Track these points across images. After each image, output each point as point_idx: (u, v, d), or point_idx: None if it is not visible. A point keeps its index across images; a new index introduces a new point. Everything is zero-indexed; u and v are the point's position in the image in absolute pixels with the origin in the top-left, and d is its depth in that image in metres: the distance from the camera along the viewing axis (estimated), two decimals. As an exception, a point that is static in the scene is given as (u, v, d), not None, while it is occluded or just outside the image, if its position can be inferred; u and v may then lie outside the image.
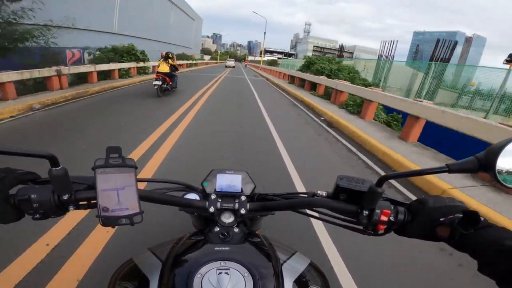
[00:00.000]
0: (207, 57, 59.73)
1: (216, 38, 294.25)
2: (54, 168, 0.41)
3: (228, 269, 0.45)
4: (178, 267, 0.48)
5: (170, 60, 7.29)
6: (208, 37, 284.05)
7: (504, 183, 0.39)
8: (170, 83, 7.41)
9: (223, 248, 0.51)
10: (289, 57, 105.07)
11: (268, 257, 0.53)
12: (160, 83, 6.88)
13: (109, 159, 0.43)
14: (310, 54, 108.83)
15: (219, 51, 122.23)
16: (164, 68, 7.13)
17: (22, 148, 0.38)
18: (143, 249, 0.59)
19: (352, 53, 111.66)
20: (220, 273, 0.44)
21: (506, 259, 0.34)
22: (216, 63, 53.40)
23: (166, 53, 7.36)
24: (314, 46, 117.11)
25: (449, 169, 0.39)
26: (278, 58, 61.26)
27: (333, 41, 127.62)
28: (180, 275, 0.46)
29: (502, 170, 0.38)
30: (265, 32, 36.68)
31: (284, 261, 0.55)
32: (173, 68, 7.45)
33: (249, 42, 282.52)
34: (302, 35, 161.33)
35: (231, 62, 39.52)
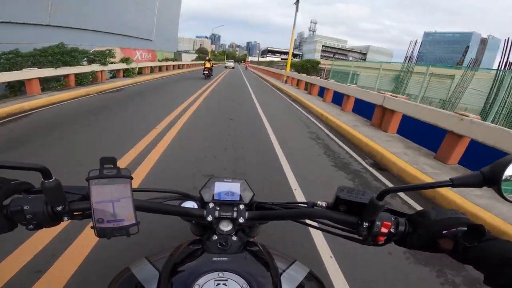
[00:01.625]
0: (189, 57, 34.59)
1: (214, 38, 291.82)
2: (46, 181, 0.41)
3: (227, 280, 0.44)
4: (175, 277, 0.47)
5: (211, 62, 15.99)
6: (206, 37, 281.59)
7: (508, 199, 0.38)
8: (211, 72, 15.81)
9: (221, 258, 0.50)
10: (294, 57, 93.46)
11: (266, 266, 0.52)
12: (207, 72, 15.38)
13: (103, 170, 0.42)
14: (318, 54, 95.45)
15: (216, 51, 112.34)
16: (208, 65, 15.56)
17: (14, 161, 0.38)
18: (140, 258, 0.57)
19: (365, 54, 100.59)
20: (218, 284, 0.44)
21: None
22: (200, 66, 28.90)
23: (208, 58, 16.81)
24: (322, 45, 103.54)
25: (453, 184, 0.38)
26: (282, 59, 54.08)
27: (342, 40, 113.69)
28: (177, 286, 0.45)
29: (507, 186, 0.37)
30: (297, 2, 19.34)
31: (283, 271, 0.53)
32: (211, 65, 15.96)
33: (248, 43, 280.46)
34: (307, 34, 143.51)
35: (230, 63, 40.82)
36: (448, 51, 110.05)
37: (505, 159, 0.36)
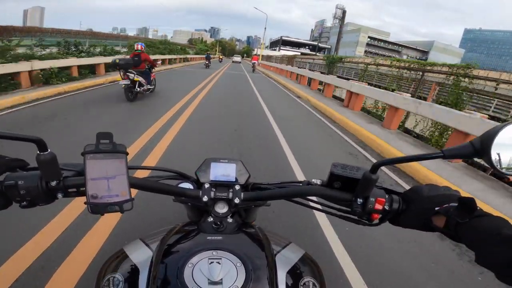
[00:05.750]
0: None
1: (214, 32, 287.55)
2: (42, 153, 0.40)
3: (220, 258, 0.44)
4: (169, 258, 0.47)
5: (222, 56, 39.69)
6: (205, 31, 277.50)
7: (498, 169, 0.38)
8: (222, 60, 34.46)
9: (216, 237, 0.50)
10: (319, 51, 67.22)
11: (261, 247, 0.51)
12: (221, 60, 33.44)
13: (99, 145, 0.41)
14: (361, 49, 66.71)
15: (206, 42, 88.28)
16: (221, 57, 35.63)
17: (8, 132, 0.37)
18: (134, 239, 0.57)
19: (426, 52, 70.38)
20: (212, 262, 0.43)
21: (505, 249, 0.32)
22: None
23: (222, 54, 50.06)
24: (369, 37, 68.24)
25: (444, 155, 0.38)
26: (302, 54, 40.65)
27: (383, 32, 77.58)
28: (171, 265, 0.45)
29: (496, 156, 0.37)
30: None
31: (278, 252, 0.53)
32: (222, 57, 37.21)
33: (248, 37, 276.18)
34: (331, 22, 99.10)
35: (237, 58, 39.55)
36: (497, 52, 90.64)
37: (493, 129, 0.36)
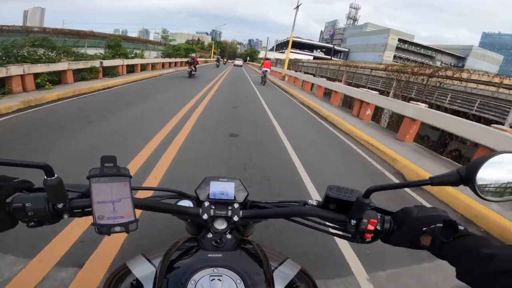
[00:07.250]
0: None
1: (215, 35, 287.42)
2: (49, 178, 0.41)
3: (221, 275, 0.46)
4: (171, 274, 0.49)
5: (225, 59, 47.18)
6: (207, 33, 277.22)
7: (482, 196, 0.41)
8: (225, 62, 41.91)
9: (216, 255, 0.52)
10: (334, 54, 59.29)
11: (259, 263, 0.53)
12: (224, 63, 39.61)
13: (103, 168, 0.43)
14: (390, 54, 54.23)
15: (203, 41, 77.81)
16: (224, 60, 41.34)
17: (17, 159, 0.39)
18: (136, 255, 0.59)
19: (463, 58, 57.63)
20: (213, 279, 0.45)
21: (482, 266, 0.35)
22: None
23: (225, 57, 53.41)
24: (399, 40, 55.27)
25: (432, 182, 0.41)
26: (315, 58, 35.62)
27: (407, 34, 60.04)
28: (174, 282, 0.47)
29: (481, 184, 0.40)
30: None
31: (275, 268, 0.55)
32: (225, 60, 45.89)
33: (250, 40, 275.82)
34: (345, 23, 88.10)
35: (239, 62, 39.41)
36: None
37: (480, 159, 0.39)
